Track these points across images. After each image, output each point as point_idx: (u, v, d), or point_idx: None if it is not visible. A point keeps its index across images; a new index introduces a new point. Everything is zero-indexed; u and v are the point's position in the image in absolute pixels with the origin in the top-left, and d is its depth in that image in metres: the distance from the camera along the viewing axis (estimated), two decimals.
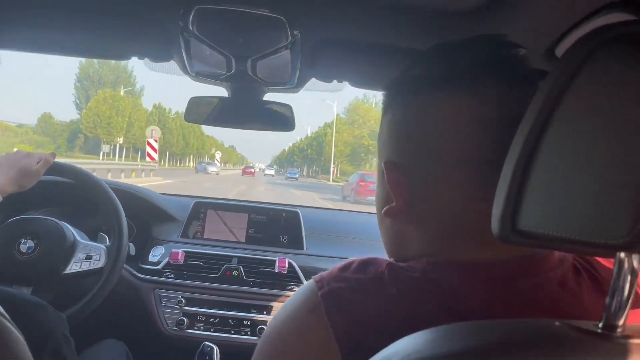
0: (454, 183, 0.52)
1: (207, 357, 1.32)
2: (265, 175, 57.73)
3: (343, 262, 0.55)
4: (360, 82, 1.18)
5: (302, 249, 1.76)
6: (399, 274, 0.51)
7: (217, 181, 27.44)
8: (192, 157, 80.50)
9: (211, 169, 42.65)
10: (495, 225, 0.42)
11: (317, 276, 0.54)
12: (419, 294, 0.49)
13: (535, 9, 0.78)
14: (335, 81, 1.21)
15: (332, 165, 58.85)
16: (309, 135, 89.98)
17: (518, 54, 0.53)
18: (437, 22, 0.90)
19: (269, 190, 23.12)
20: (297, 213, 1.80)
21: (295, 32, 0.96)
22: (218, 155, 58.31)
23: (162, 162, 59.49)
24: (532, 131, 0.40)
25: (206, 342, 1.37)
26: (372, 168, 51.52)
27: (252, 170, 50.95)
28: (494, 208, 0.43)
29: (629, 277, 0.38)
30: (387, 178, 0.55)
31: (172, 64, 1.19)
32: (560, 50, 0.84)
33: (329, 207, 2.30)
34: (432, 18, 0.89)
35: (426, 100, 0.53)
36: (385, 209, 0.57)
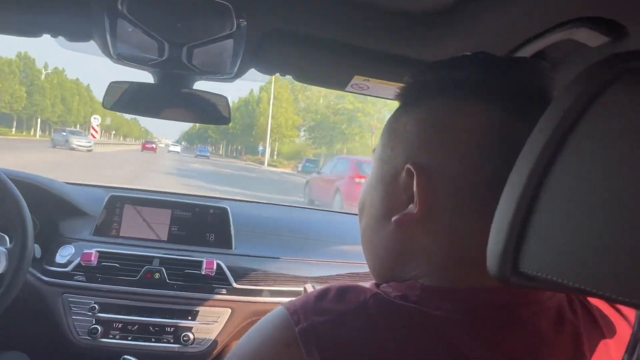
0: (473, 202, 0.48)
1: None
2: (169, 152, 52.49)
3: (318, 290, 0.49)
4: (306, 77, 1.11)
5: (231, 248, 1.65)
6: (387, 304, 0.46)
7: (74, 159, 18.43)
8: (78, 127, 58.08)
9: (77, 141, 28.06)
10: (493, 264, 0.38)
11: (290, 306, 0.48)
12: (412, 328, 0.44)
13: (500, 14, 0.75)
14: (278, 74, 1.12)
15: (267, 143, 47.45)
16: (233, 102, 71.73)
17: (552, 86, 0.50)
18: (394, 21, 0.85)
19: (171, 177, 16.73)
20: (225, 210, 1.69)
21: (241, 20, 0.86)
22: (95, 121, 35.81)
23: (31, 132, 50.01)
24: (539, 161, 0.36)
25: (125, 356, 1.24)
26: (342, 151, 40.63)
27: (154, 145, 47.03)
28: (491, 244, 0.38)
29: None
30: (417, 181, 0.49)
31: (90, 44, 1.04)
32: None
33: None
34: (388, 17, 0.84)
35: (474, 107, 0.49)
36: (399, 216, 0.51)
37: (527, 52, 0.80)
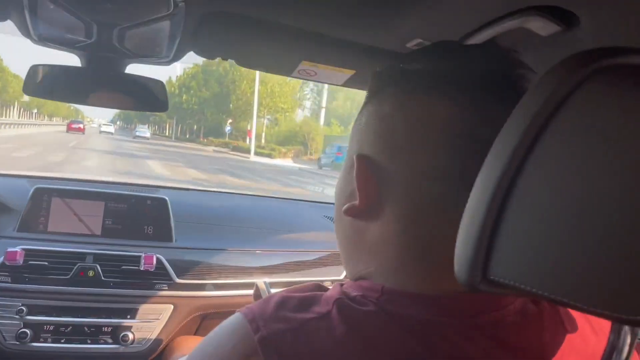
0: (425, 198, 0.46)
1: None
2: (101, 132, 46.07)
3: (277, 297, 0.47)
4: (250, 62, 1.05)
5: (171, 241, 1.57)
6: (348, 309, 0.44)
7: None
8: None
9: None
10: (461, 270, 0.36)
11: (247, 312, 0.45)
12: (375, 329, 0.43)
13: (452, 0, 0.74)
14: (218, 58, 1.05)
15: (253, 122, 33.22)
16: (185, 71, 53.94)
17: (526, 76, 0.47)
18: (344, 5, 0.81)
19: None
20: (164, 200, 1.60)
21: (179, 1, 0.79)
22: None
23: None
24: (508, 167, 0.34)
25: None
26: None
27: (81, 126, 42.57)
28: (459, 251, 0.36)
29: (627, 348, 0.37)
30: (356, 172, 0.49)
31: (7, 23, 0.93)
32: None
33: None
34: (338, 1, 0.80)
35: (420, 100, 0.47)
36: (346, 206, 0.51)
37: (478, 39, 0.79)
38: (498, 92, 0.46)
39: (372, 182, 0.49)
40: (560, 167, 0.32)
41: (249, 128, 38.66)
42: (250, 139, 33.20)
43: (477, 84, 0.46)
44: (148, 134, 46.76)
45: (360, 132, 0.52)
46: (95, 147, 23.24)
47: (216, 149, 37.27)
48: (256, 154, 31.24)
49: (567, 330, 0.49)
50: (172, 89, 51.11)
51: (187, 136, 58.87)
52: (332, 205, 2.03)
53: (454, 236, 0.38)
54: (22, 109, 66.95)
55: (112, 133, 47.55)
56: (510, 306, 0.47)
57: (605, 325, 0.52)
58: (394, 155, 0.48)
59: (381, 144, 0.49)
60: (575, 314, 0.51)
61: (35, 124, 54.73)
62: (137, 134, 45.02)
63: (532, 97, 0.35)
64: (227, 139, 42.55)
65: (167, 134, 69.65)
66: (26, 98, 60.24)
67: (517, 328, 0.46)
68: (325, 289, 0.50)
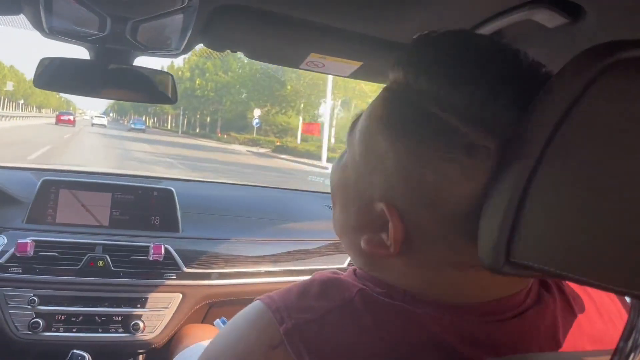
0: (456, 254, 0.44)
1: None
2: (93, 125, 43.21)
3: (298, 285, 0.47)
4: (259, 54, 1.07)
5: (178, 231, 1.59)
6: (373, 301, 0.44)
7: None
8: None
9: None
10: (486, 255, 0.38)
11: (270, 303, 0.45)
12: (400, 324, 0.43)
13: None
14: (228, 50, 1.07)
15: (325, 111, 23.07)
16: (196, 51, 37.47)
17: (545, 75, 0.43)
18: None
19: None
20: (170, 191, 1.62)
21: None
22: None
23: None
24: (530, 154, 0.36)
25: (74, 351, 1.18)
26: None
27: (71, 118, 39.92)
28: (482, 236, 0.39)
29: None
30: (393, 228, 0.43)
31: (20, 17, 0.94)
32: None
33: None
34: None
35: (457, 164, 0.41)
36: (370, 246, 0.46)
37: (486, 31, 0.80)
38: (520, 102, 0.40)
39: (404, 234, 0.44)
40: (581, 154, 0.33)
41: (302, 120, 30.09)
42: (317, 137, 23.50)
43: (500, 103, 0.41)
44: (143, 126, 44.46)
45: (386, 176, 0.45)
46: (83, 147, 18.77)
47: (250, 149, 28.52)
48: (329, 160, 19.34)
49: (576, 316, 0.50)
50: (180, 73, 43.33)
51: (197, 130, 48.72)
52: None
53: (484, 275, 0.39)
54: (7, 100, 60.96)
55: (105, 125, 44.51)
56: (526, 301, 0.48)
57: (611, 310, 0.54)
58: (415, 202, 0.43)
59: (402, 193, 0.44)
60: (583, 299, 0.53)
61: (21, 116, 48.17)
62: (133, 126, 43.34)
63: (553, 88, 0.37)
64: (254, 135, 33.76)
65: (168, 127, 60.71)
66: (9, 87, 56.86)
67: (535, 317, 0.47)
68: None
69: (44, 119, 51.62)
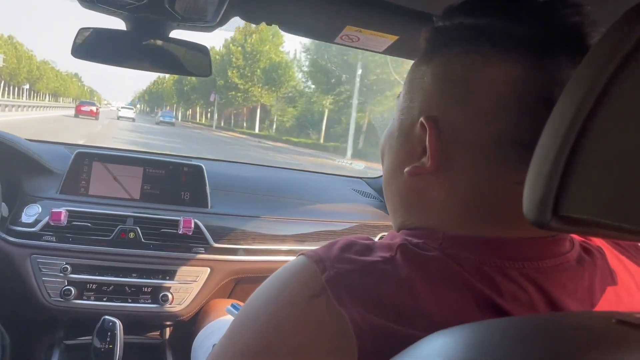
0: (498, 162, 0.47)
1: (109, 333, 1.17)
2: (119, 118, 39.94)
3: (341, 241, 0.47)
4: (294, 27, 1.06)
5: (207, 207, 1.61)
6: (412, 254, 0.45)
7: None
8: None
9: None
10: (530, 210, 0.37)
11: (312, 255, 0.45)
12: (439, 272, 0.43)
13: None
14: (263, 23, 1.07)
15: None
16: (227, 40, 40.76)
17: (594, 31, 0.47)
18: None
19: None
20: (200, 167, 1.64)
21: None
22: None
23: None
24: (583, 106, 0.34)
25: (106, 317, 1.20)
26: None
27: (93, 109, 34.66)
28: (528, 191, 0.37)
29: None
30: (429, 135, 0.48)
31: None
32: None
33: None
34: None
35: (497, 65, 0.46)
36: (410, 168, 0.51)
37: None
38: (575, 50, 0.45)
39: (444, 145, 0.48)
40: (636, 107, 0.32)
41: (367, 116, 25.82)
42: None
43: (550, 45, 0.46)
44: (172, 120, 41.54)
45: (425, 92, 0.51)
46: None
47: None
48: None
49: (616, 283, 0.50)
50: (216, 57, 39.66)
51: (229, 127, 42.77)
52: (358, 179, 2.04)
53: (522, 194, 0.38)
54: (3, 83, 48.23)
55: (133, 119, 40.85)
56: (568, 254, 0.48)
57: None
58: (469, 119, 0.47)
59: (456, 108, 0.48)
60: (621, 271, 0.52)
61: (25, 105, 37.90)
62: (162, 119, 40.69)
63: (606, 40, 0.35)
64: (324, 140, 28.26)
65: (201, 120, 57.07)
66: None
67: (575, 274, 0.47)
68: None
69: (59, 109, 44.51)
